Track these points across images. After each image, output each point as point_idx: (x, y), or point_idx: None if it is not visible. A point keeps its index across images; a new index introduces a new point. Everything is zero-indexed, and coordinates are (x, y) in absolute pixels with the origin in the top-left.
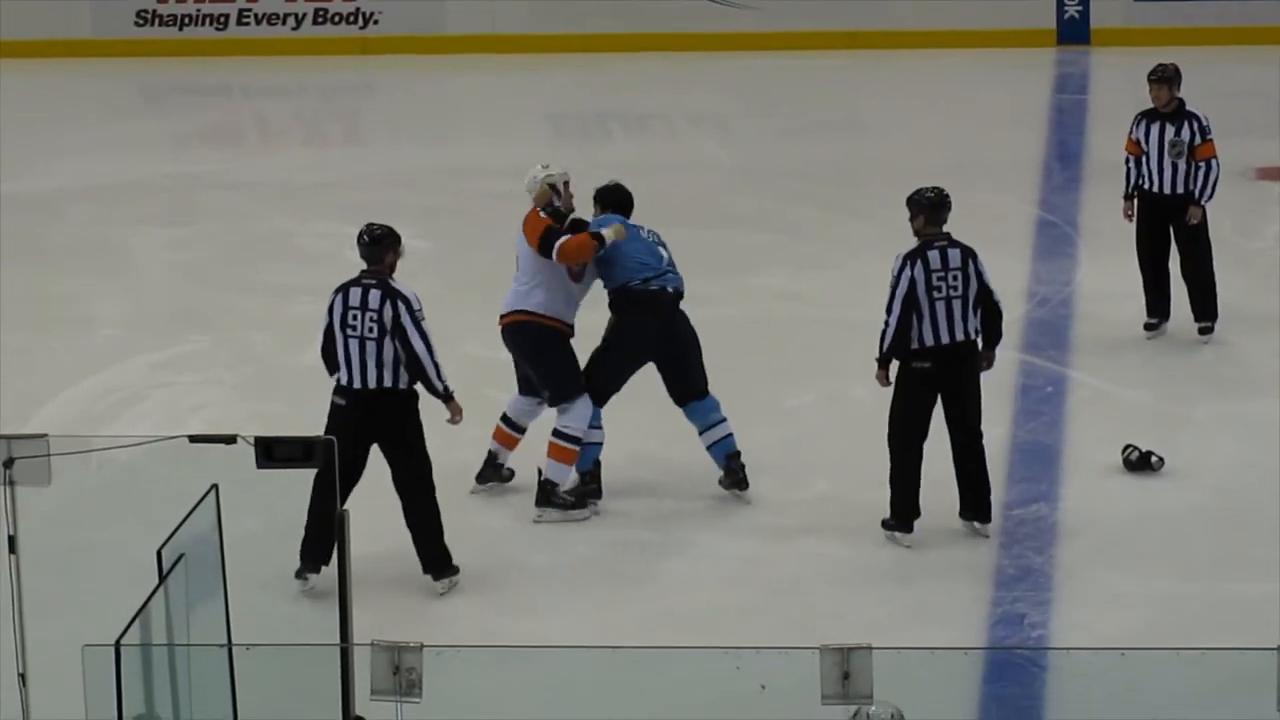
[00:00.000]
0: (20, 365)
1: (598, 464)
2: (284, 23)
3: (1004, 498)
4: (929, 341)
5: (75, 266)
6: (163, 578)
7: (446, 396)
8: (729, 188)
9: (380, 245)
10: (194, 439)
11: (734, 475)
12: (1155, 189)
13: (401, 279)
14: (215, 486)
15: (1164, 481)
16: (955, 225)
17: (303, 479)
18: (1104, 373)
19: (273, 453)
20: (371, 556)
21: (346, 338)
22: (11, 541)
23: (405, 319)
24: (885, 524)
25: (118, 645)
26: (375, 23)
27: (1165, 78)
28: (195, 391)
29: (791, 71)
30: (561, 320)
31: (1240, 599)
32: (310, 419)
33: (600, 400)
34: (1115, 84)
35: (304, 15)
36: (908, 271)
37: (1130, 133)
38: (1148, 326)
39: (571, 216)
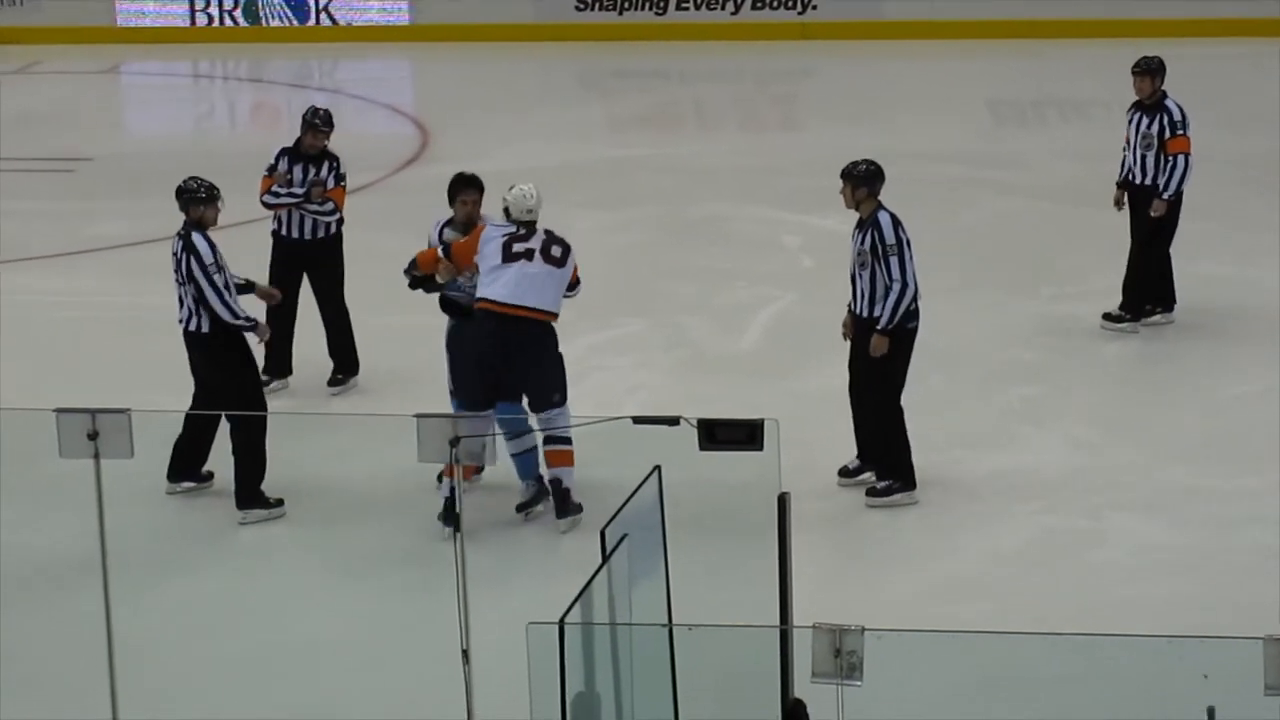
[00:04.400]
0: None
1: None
2: (722, 7)
3: None
4: (916, 304)
5: None
6: (606, 557)
7: None
8: None
9: None
10: (637, 420)
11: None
12: (1131, 178)
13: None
14: (658, 468)
15: None
16: None
17: (737, 460)
18: None
19: (715, 435)
20: (810, 539)
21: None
22: (457, 519)
23: None
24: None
25: (562, 623)
26: (814, 8)
27: (1145, 70)
28: (632, 374)
29: (1230, 59)
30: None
31: None
32: (746, 403)
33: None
34: None
35: (743, 0)
36: (904, 234)
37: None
38: (1107, 316)
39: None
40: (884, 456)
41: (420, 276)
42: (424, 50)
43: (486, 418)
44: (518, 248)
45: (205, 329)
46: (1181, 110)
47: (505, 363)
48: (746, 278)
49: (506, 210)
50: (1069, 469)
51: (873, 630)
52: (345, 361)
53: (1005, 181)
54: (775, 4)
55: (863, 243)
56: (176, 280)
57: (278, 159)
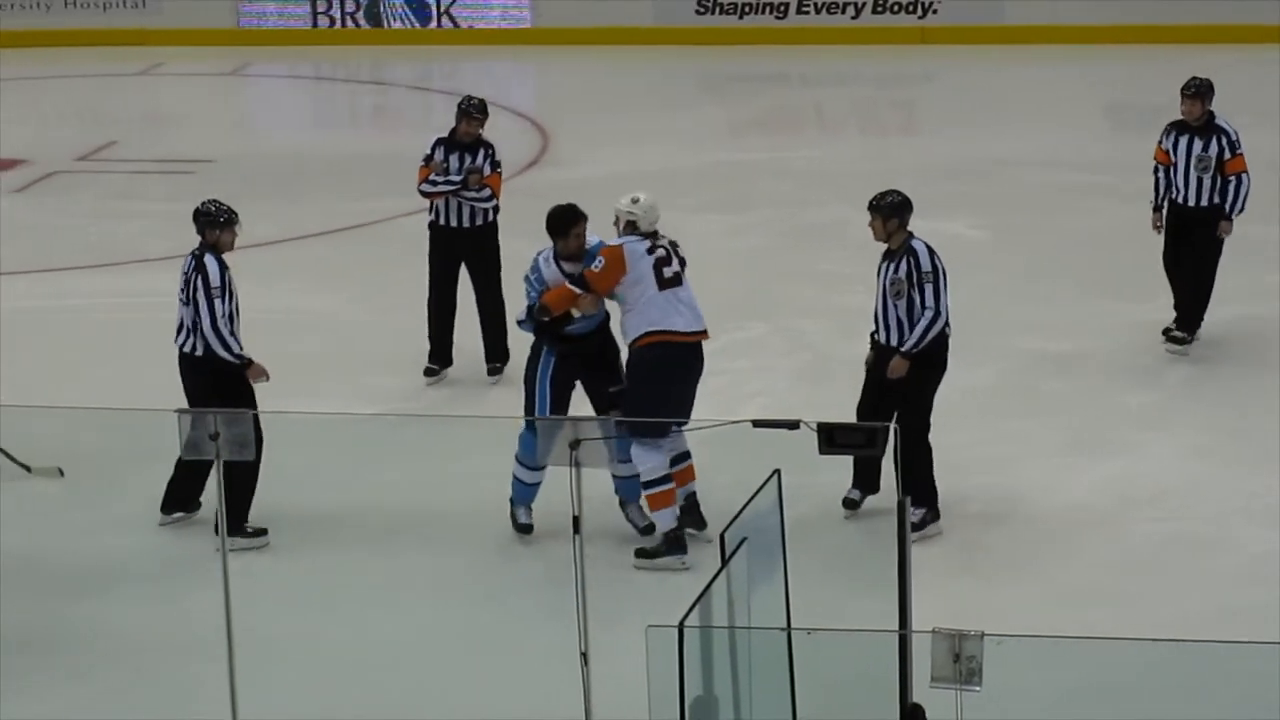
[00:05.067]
0: None
1: None
2: (843, 12)
3: None
4: (947, 333)
5: None
6: (725, 560)
7: None
8: None
9: None
10: (757, 424)
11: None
12: (1181, 200)
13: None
14: (777, 471)
15: None
16: None
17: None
18: None
19: (834, 438)
20: (928, 545)
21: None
22: (576, 522)
23: None
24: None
25: (681, 626)
26: (934, 12)
27: (1198, 93)
28: (751, 378)
29: None
30: None
31: None
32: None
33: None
34: None
35: (863, 4)
36: (939, 263)
37: (1160, 142)
38: (1173, 339)
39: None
40: (922, 488)
41: (549, 320)
42: (544, 53)
43: (608, 420)
44: (668, 272)
45: (200, 351)
46: (1234, 129)
47: (690, 388)
48: (865, 282)
49: (634, 224)
50: (1188, 475)
51: (992, 635)
52: (496, 350)
53: (1124, 188)
54: (895, 8)
55: (896, 271)
56: (180, 300)
57: (434, 149)
